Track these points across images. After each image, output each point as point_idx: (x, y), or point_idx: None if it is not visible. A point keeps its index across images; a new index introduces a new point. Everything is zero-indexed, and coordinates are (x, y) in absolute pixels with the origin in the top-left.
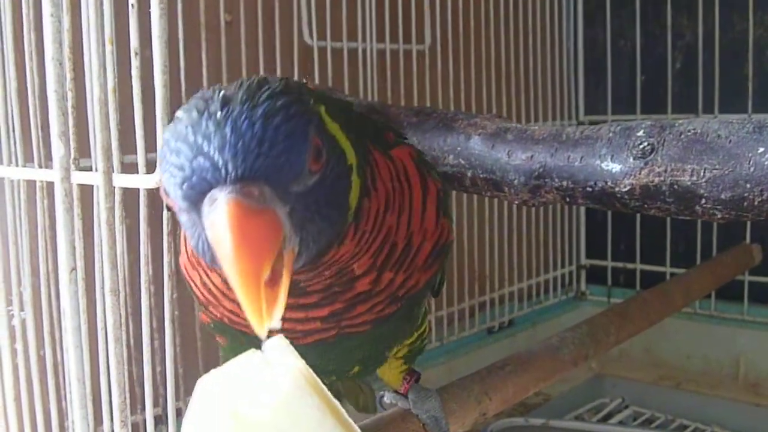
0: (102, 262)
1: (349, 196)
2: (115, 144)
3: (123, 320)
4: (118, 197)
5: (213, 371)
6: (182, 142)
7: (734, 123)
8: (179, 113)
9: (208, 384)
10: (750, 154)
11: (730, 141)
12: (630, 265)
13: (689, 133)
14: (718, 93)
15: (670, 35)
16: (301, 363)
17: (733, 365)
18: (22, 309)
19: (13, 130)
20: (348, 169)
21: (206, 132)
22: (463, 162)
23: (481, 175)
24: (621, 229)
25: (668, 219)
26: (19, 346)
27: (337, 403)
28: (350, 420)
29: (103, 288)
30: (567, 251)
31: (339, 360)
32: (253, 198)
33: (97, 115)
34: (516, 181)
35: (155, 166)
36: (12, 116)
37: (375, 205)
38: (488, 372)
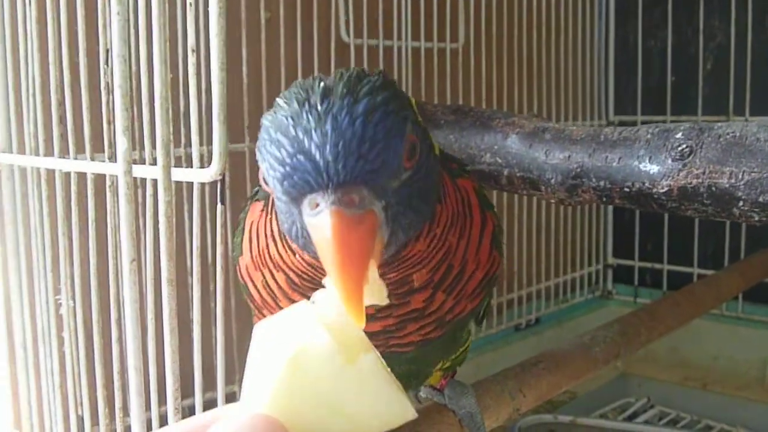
0: (158, 253)
1: (438, 190)
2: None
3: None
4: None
5: (268, 318)
6: (283, 135)
7: None
8: (279, 101)
9: (265, 330)
10: None
11: None
12: (657, 266)
13: (728, 136)
14: (749, 95)
15: (702, 36)
16: (347, 317)
17: (760, 367)
18: (70, 298)
19: (65, 123)
20: (437, 160)
21: (307, 126)
22: (499, 160)
23: (518, 174)
24: (648, 228)
25: (696, 220)
26: (66, 334)
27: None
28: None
29: (158, 279)
30: (594, 250)
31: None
32: (354, 205)
33: (159, 111)
34: (553, 180)
35: (209, 160)
36: (64, 109)
37: (445, 214)
38: (522, 368)
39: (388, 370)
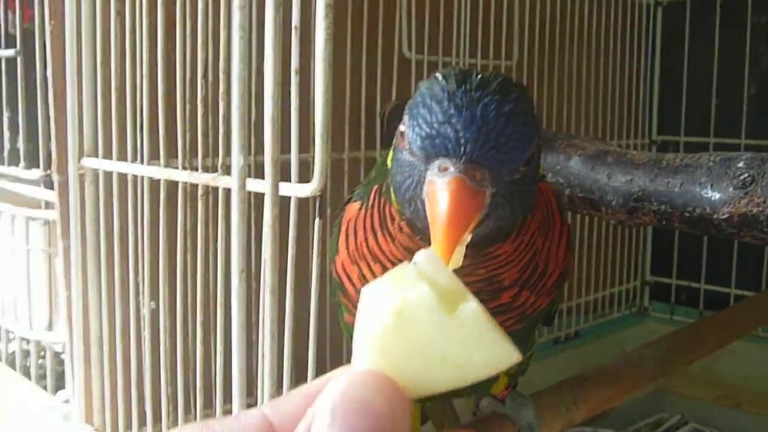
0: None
1: (532, 199)
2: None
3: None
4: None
5: (374, 282)
6: (437, 103)
7: None
8: (439, 75)
9: (370, 292)
10: None
11: None
12: (694, 284)
13: None
14: None
15: (748, 61)
16: (450, 272)
17: None
18: (152, 300)
19: (156, 132)
20: (539, 177)
21: (459, 104)
22: (562, 180)
23: (580, 194)
24: (687, 247)
25: (735, 241)
26: (146, 333)
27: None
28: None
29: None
30: (633, 267)
31: None
32: (475, 180)
33: (268, 131)
34: (614, 202)
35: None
36: (157, 119)
37: (534, 223)
38: (577, 382)
39: (490, 316)
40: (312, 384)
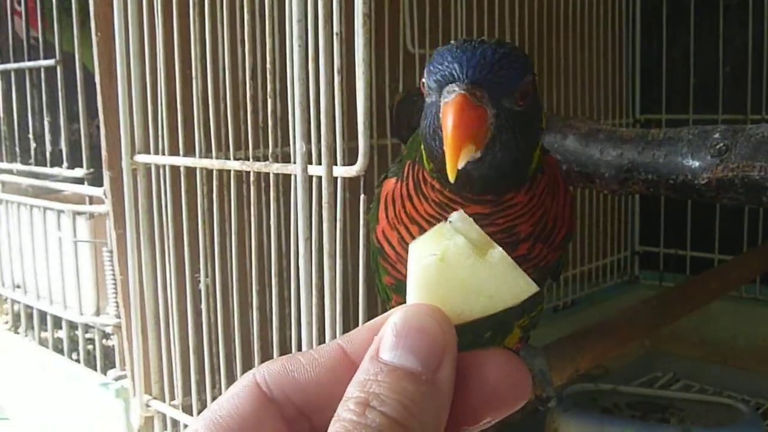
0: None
1: (533, 152)
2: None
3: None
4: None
5: (418, 238)
6: (447, 52)
7: None
8: (453, 42)
9: (415, 246)
10: None
11: None
12: (681, 252)
13: (758, 136)
14: (765, 95)
15: (722, 41)
16: (478, 228)
17: None
18: (207, 275)
19: (208, 128)
20: (540, 129)
21: (465, 50)
22: (559, 157)
23: (576, 169)
24: (672, 218)
25: (717, 209)
26: (204, 306)
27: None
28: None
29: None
30: (622, 238)
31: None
32: (475, 96)
33: (324, 122)
34: (607, 175)
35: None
36: (208, 116)
37: (544, 181)
38: (580, 335)
39: (511, 259)
40: (376, 320)
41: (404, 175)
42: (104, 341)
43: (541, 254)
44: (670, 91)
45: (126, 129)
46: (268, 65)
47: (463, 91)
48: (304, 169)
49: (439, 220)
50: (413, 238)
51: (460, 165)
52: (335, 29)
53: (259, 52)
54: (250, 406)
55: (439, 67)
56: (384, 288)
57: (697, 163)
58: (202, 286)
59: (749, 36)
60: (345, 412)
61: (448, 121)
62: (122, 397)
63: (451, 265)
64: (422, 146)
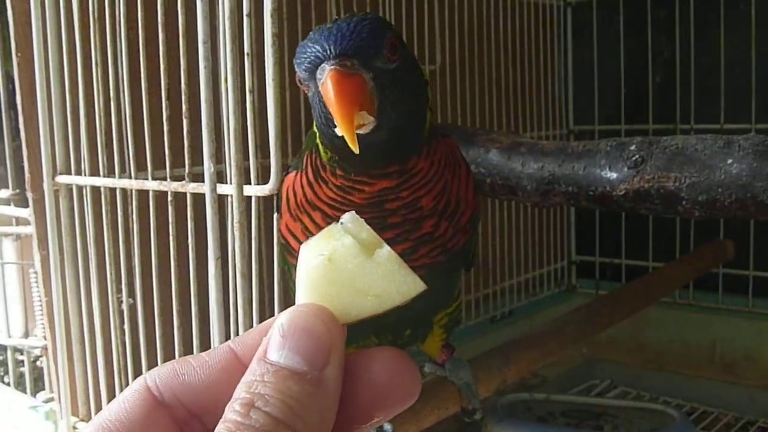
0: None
1: (425, 109)
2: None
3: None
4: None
5: (309, 239)
6: (307, 41)
7: (708, 139)
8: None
9: (305, 247)
10: (721, 165)
11: (705, 154)
12: (616, 260)
13: (672, 148)
14: (693, 105)
15: (651, 53)
16: (369, 228)
17: (709, 349)
18: (129, 296)
19: (127, 148)
20: (423, 82)
21: (320, 31)
22: (483, 171)
23: (499, 182)
24: (608, 227)
25: (650, 218)
26: (127, 327)
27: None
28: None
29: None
30: (559, 248)
31: (397, 312)
32: (346, 67)
33: (233, 141)
34: (529, 187)
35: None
36: (127, 136)
37: (440, 150)
38: (507, 347)
39: (399, 258)
40: (266, 322)
41: (303, 165)
42: (38, 362)
43: (447, 233)
44: (602, 102)
45: (47, 150)
46: (182, 86)
47: (333, 66)
48: (213, 189)
49: (341, 204)
50: (317, 225)
51: (359, 131)
52: (246, 49)
53: (174, 73)
54: (140, 409)
55: (303, 56)
56: (294, 287)
57: (614, 175)
58: (125, 307)
59: (677, 47)
60: (230, 413)
61: (330, 96)
62: (51, 419)
63: (339, 264)
64: (318, 139)
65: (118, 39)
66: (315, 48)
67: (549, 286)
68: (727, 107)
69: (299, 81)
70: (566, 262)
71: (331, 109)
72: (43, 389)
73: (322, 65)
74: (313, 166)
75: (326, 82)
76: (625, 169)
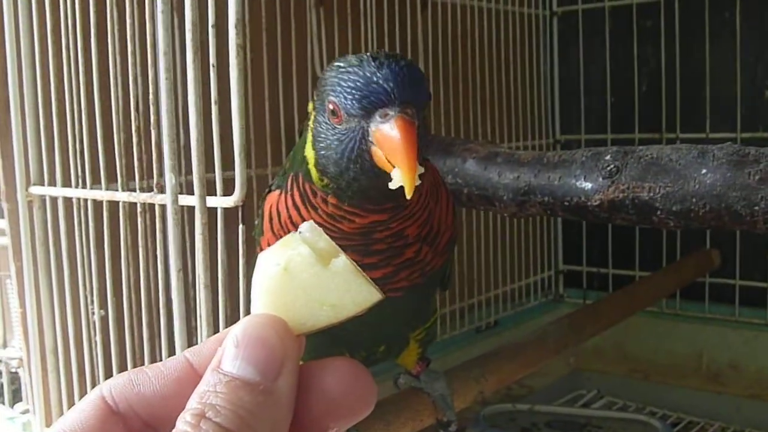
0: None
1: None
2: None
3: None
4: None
5: (267, 249)
6: (354, 74)
7: (683, 149)
8: (337, 62)
9: (265, 254)
10: (695, 175)
11: (679, 164)
12: (603, 270)
13: (647, 158)
14: (679, 114)
15: (637, 62)
16: (326, 237)
17: (696, 358)
18: (101, 308)
19: (97, 159)
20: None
21: (371, 69)
22: (460, 181)
23: (476, 192)
24: (595, 237)
25: (637, 228)
26: (97, 338)
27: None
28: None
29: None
30: (546, 258)
31: (372, 330)
32: (410, 115)
33: (195, 154)
34: (505, 197)
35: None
36: (97, 147)
37: (427, 180)
38: (485, 358)
39: (357, 267)
40: (223, 332)
41: (288, 187)
42: (17, 373)
43: (427, 257)
44: (589, 111)
45: (21, 161)
46: (150, 96)
47: (399, 113)
48: (175, 201)
49: (329, 231)
50: None
51: (418, 182)
52: (211, 61)
53: (141, 83)
54: (95, 419)
55: (356, 92)
56: None
57: (589, 185)
58: (96, 318)
59: (662, 56)
60: (181, 423)
61: (397, 143)
62: (28, 431)
63: (295, 274)
64: (312, 165)
65: (89, 51)
66: (375, 87)
67: (536, 296)
68: (713, 116)
69: (336, 110)
70: (554, 271)
71: (392, 156)
72: (21, 400)
73: (385, 109)
74: (301, 190)
75: (393, 129)
76: (600, 179)
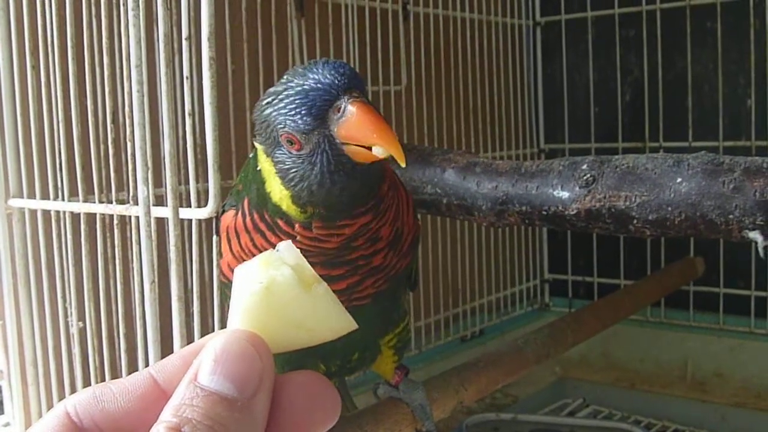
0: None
1: None
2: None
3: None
4: (152, 226)
5: (245, 263)
6: (294, 88)
7: (658, 158)
8: (265, 100)
9: (242, 272)
10: (670, 183)
11: (655, 173)
12: (588, 279)
13: (623, 167)
14: (662, 123)
15: (620, 72)
16: (304, 260)
17: (681, 366)
18: (79, 320)
19: (74, 172)
20: None
21: (309, 76)
22: (439, 191)
23: (455, 202)
24: (580, 246)
25: (621, 237)
26: (76, 350)
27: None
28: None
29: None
30: (531, 266)
31: (344, 340)
32: (359, 96)
33: (168, 166)
34: (484, 207)
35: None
36: (74, 160)
37: (388, 178)
38: (464, 367)
39: (334, 295)
40: (188, 347)
41: (245, 209)
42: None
43: (391, 263)
44: (573, 120)
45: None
46: (126, 108)
47: (353, 99)
48: (147, 213)
49: (311, 255)
50: None
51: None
52: (185, 73)
53: (119, 95)
54: None
55: (302, 104)
56: None
57: (566, 194)
58: (74, 330)
59: (645, 66)
60: None
61: (364, 125)
62: None
63: (277, 295)
64: (291, 204)
65: (65, 64)
66: (317, 91)
67: (522, 305)
68: (695, 125)
69: (292, 138)
70: (539, 280)
71: (367, 138)
72: (3, 413)
73: (338, 103)
74: (267, 222)
75: (353, 115)
76: (577, 188)
